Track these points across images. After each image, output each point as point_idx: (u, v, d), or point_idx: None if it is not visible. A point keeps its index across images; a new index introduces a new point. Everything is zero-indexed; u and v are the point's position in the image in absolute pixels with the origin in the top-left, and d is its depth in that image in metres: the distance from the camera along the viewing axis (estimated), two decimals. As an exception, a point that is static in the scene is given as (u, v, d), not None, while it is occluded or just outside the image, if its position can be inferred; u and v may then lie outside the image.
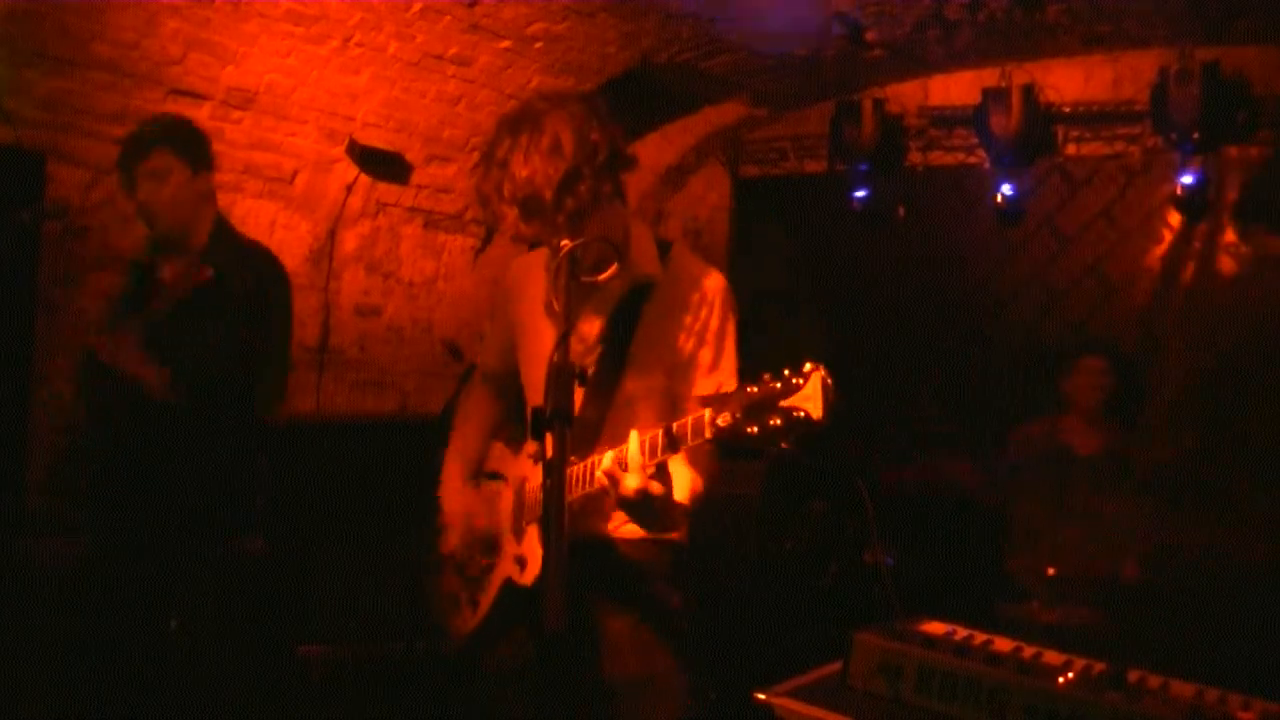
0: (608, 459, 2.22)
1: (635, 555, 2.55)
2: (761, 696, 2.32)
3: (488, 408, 2.87)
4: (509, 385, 2.80)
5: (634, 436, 2.19)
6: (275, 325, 3.35)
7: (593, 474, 2.30)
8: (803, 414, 1.91)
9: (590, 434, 2.43)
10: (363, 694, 4.26)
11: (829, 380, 1.92)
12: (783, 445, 1.95)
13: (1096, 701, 2.06)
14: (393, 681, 4.29)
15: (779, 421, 1.93)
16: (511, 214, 2.28)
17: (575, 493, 2.35)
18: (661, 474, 2.25)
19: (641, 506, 2.23)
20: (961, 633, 2.49)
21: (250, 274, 3.27)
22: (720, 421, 2.02)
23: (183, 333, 3.11)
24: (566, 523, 1.93)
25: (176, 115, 3.56)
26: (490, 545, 2.64)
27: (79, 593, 3.35)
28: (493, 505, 2.67)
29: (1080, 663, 2.30)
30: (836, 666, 2.41)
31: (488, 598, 2.61)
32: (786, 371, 1.96)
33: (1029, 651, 2.38)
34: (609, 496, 2.29)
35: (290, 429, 4.88)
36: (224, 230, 3.38)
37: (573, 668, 2.43)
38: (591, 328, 2.53)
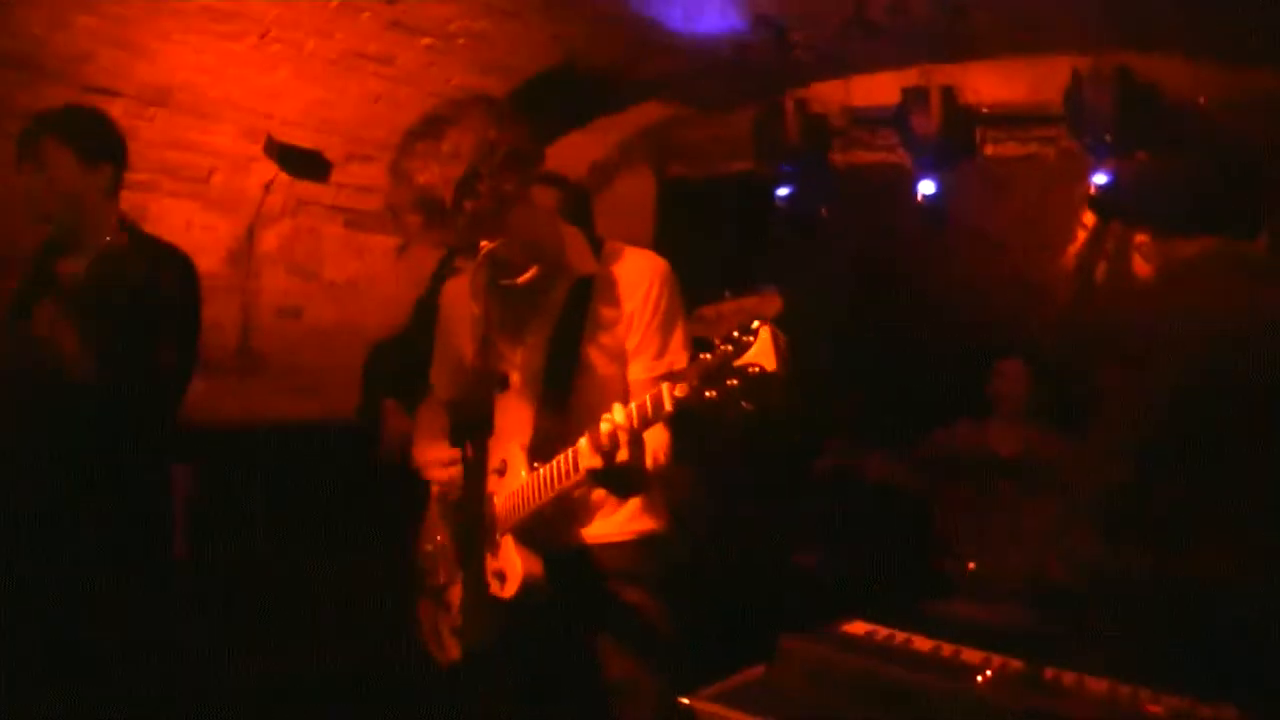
0: (584, 443, 2.20)
1: (609, 560, 2.56)
2: (685, 701, 2.33)
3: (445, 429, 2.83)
4: None
5: (612, 412, 2.16)
6: (191, 331, 3.28)
7: (566, 469, 2.29)
8: (758, 369, 1.92)
9: (551, 441, 2.42)
10: (297, 706, 4.18)
11: (778, 333, 1.94)
12: (745, 405, 1.94)
13: (1014, 701, 2.10)
14: (329, 692, 4.23)
15: (736, 382, 1.93)
16: (416, 221, 2.29)
17: (549, 493, 2.34)
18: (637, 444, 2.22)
19: (624, 474, 2.21)
20: (883, 633, 2.52)
21: (165, 276, 3.19)
22: (678, 393, 2.02)
23: (100, 337, 3.03)
24: (483, 532, 1.92)
25: (76, 106, 3.42)
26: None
27: (4, 603, 3.25)
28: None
29: (998, 661, 2.33)
30: (761, 670, 2.43)
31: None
32: (735, 333, 1.97)
33: (948, 650, 2.42)
34: (583, 489, 2.32)
35: (216, 435, 4.80)
36: (133, 231, 3.29)
37: (553, 675, 2.45)
38: (540, 336, 2.54)
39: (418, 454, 2.73)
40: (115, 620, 3.13)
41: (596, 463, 2.15)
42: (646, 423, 2.11)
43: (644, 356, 2.48)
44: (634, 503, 2.58)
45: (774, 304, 2.03)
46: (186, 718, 3.43)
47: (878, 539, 5.04)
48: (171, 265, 3.26)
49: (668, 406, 2.05)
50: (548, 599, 2.36)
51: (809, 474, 4.98)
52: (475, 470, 1.91)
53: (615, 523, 2.58)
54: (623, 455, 2.12)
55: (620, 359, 2.51)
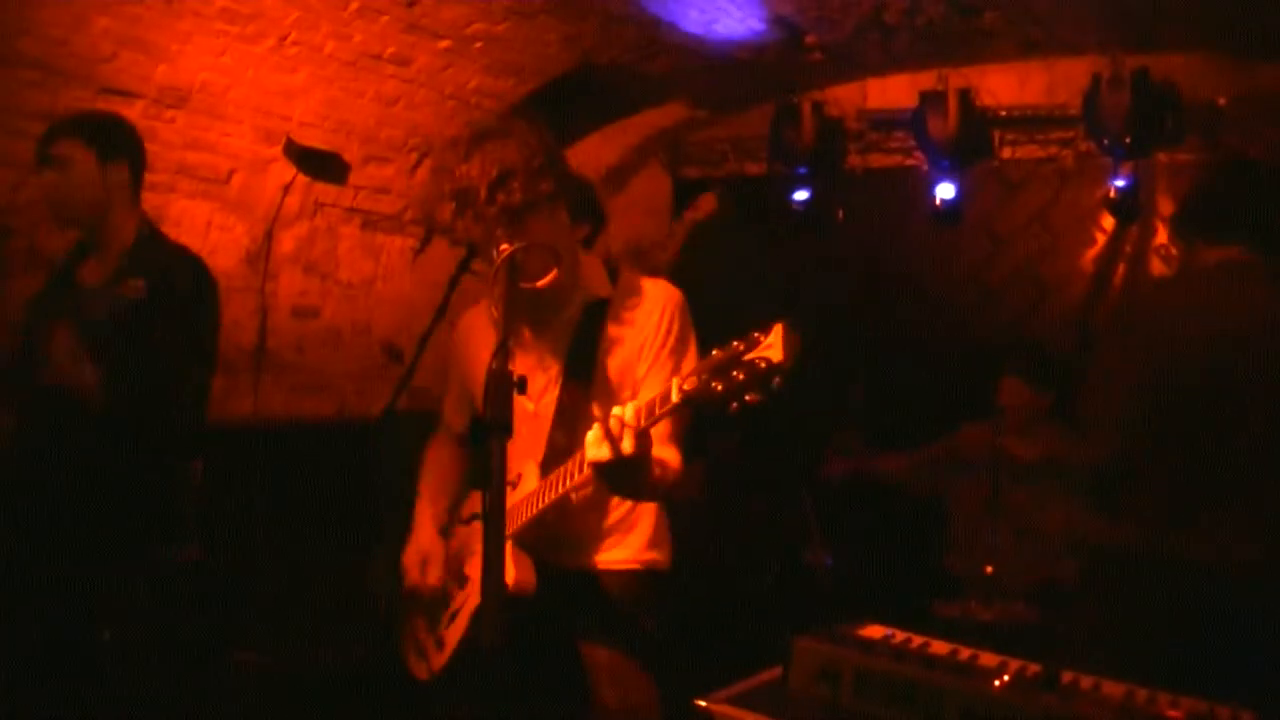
0: (590, 437, 2.20)
1: (619, 587, 2.62)
2: (702, 703, 2.33)
3: (453, 459, 2.95)
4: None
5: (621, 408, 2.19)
6: (207, 332, 3.30)
7: (571, 469, 2.34)
8: (764, 362, 1.93)
9: (563, 457, 2.46)
10: (300, 702, 4.20)
11: (791, 330, 1.95)
12: (749, 398, 1.95)
13: (1030, 704, 2.10)
14: (330, 689, 4.24)
15: (743, 375, 1.95)
16: (447, 209, 2.36)
17: (553, 495, 2.40)
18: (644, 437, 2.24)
19: (629, 467, 2.20)
20: (900, 636, 2.52)
21: (181, 280, 3.21)
22: (686, 386, 2.04)
23: (118, 341, 3.05)
24: (505, 531, 1.93)
25: (96, 110, 3.46)
26: (463, 579, 2.67)
27: (6, 601, 3.27)
28: (467, 543, 2.71)
29: (1015, 664, 2.33)
30: (777, 672, 2.43)
31: (457, 632, 2.63)
32: (753, 332, 1.99)
33: (965, 654, 2.42)
34: (586, 490, 2.37)
35: (227, 433, 4.81)
36: (153, 234, 3.31)
37: (554, 693, 2.50)
38: (554, 356, 2.60)
39: (424, 503, 2.83)
40: (115, 620, 3.16)
41: (604, 454, 2.15)
42: (654, 415, 2.12)
43: (655, 382, 2.50)
44: (644, 533, 2.65)
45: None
46: (186, 718, 3.44)
47: (883, 539, 5.04)
48: (188, 273, 3.28)
49: (675, 399, 2.06)
50: (533, 611, 2.41)
51: (812, 474, 4.98)
52: (496, 471, 1.92)
53: (626, 551, 2.64)
54: (628, 446, 2.13)
55: (631, 382, 2.55)
